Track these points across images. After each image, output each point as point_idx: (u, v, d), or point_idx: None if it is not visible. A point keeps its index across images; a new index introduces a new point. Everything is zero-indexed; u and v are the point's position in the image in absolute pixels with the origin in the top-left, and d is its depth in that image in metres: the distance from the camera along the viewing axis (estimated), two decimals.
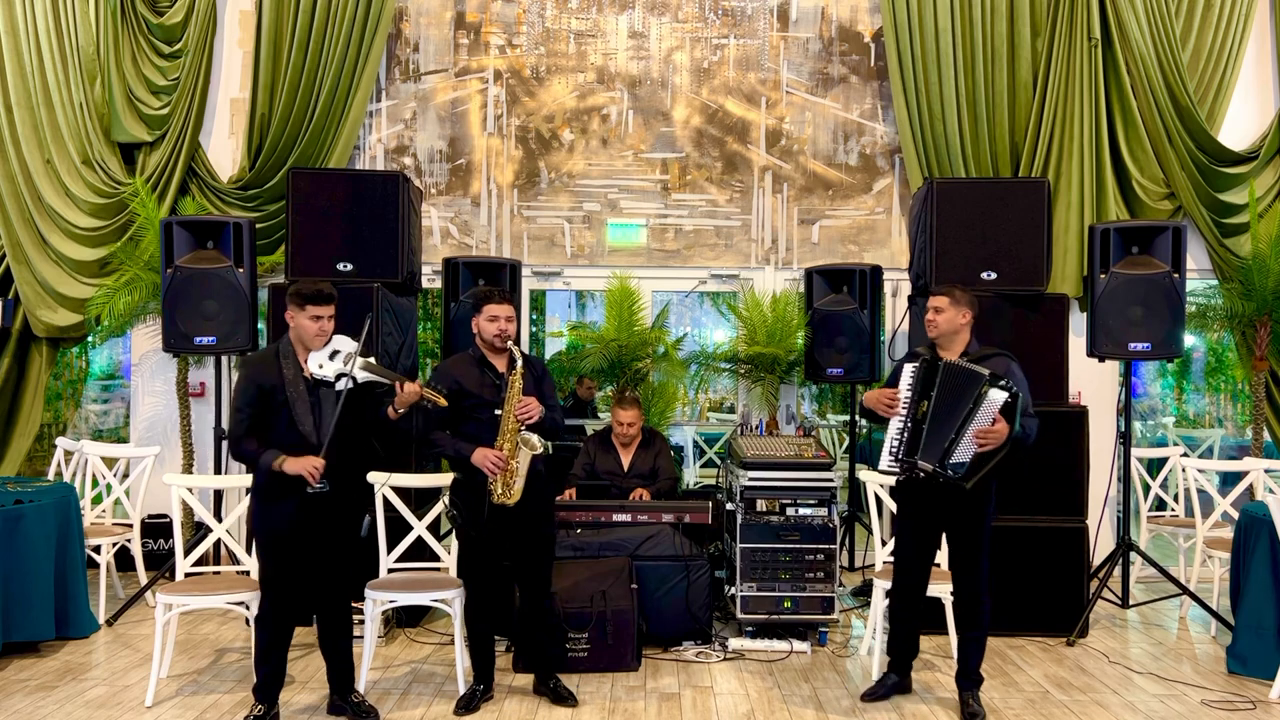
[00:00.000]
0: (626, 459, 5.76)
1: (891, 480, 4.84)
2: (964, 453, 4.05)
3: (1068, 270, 6.61)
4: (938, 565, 4.50)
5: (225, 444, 5.78)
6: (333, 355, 3.94)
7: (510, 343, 4.20)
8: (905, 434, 4.18)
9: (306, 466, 3.78)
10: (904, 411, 4.20)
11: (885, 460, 4.25)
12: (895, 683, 4.46)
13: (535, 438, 4.14)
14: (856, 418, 6.72)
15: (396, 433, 4.11)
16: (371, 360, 4.02)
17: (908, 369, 4.27)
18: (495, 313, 4.20)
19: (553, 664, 4.48)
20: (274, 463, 3.81)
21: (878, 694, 4.42)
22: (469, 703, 4.26)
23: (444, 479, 4.96)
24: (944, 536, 4.37)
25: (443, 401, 4.05)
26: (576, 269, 7.06)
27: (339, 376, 3.91)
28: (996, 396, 3.99)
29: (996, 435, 4.00)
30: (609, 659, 4.74)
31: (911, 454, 4.15)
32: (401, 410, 4.00)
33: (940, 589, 4.55)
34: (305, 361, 3.94)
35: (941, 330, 4.22)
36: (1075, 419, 5.42)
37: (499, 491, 4.11)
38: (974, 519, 4.21)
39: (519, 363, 4.17)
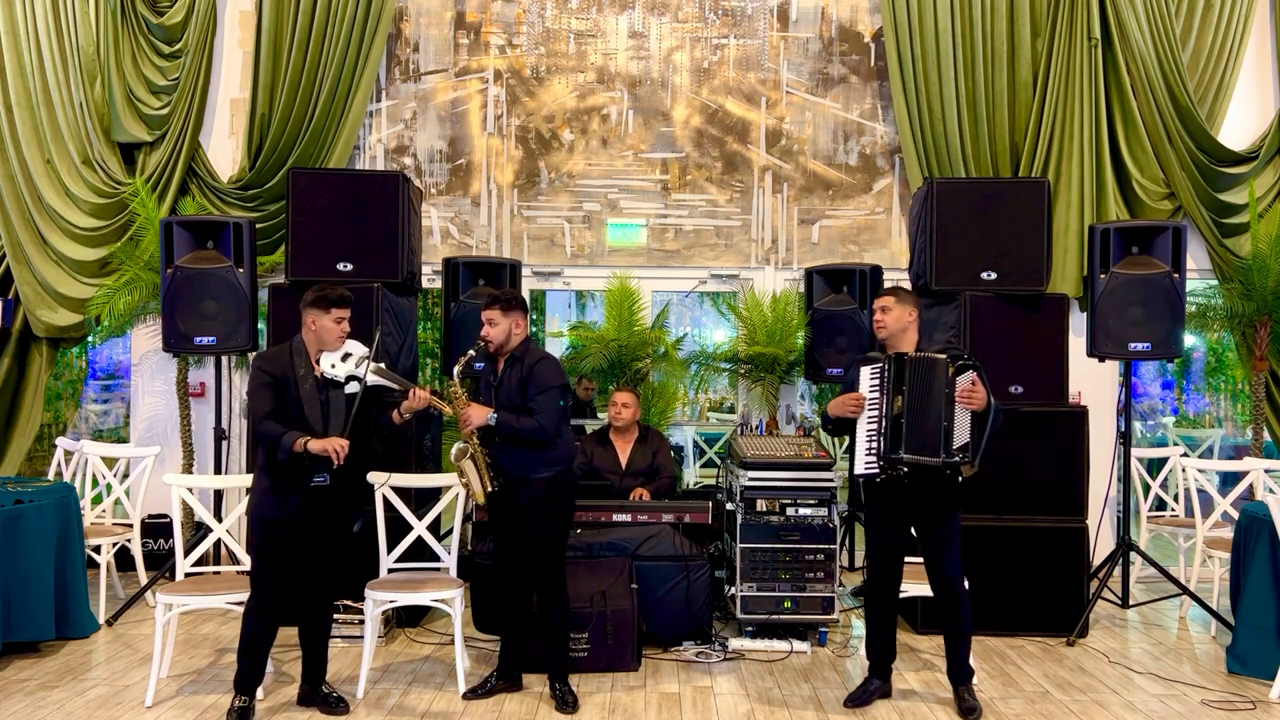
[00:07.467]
0: (624, 455, 5.75)
1: None
2: (962, 431, 4.06)
3: (1068, 270, 6.61)
4: (916, 564, 4.48)
5: (225, 444, 5.82)
6: (345, 357, 4.06)
7: (490, 346, 4.27)
8: (884, 433, 4.17)
9: (332, 446, 3.85)
10: (874, 412, 4.21)
11: (864, 461, 4.24)
12: (878, 687, 4.40)
13: (458, 447, 4.19)
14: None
15: (397, 435, 4.18)
16: (383, 366, 4.15)
17: (867, 371, 4.28)
18: (483, 317, 4.31)
19: (552, 667, 4.42)
20: (296, 442, 3.87)
21: (861, 699, 4.35)
22: (475, 691, 4.41)
23: (444, 479, 4.98)
24: (914, 533, 4.37)
25: (449, 410, 4.14)
26: (576, 269, 7.06)
27: (349, 379, 4.03)
28: (964, 373, 4.05)
29: (979, 396, 4.03)
30: (609, 659, 4.74)
31: (895, 450, 4.14)
32: (408, 416, 4.12)
33: (926, 589, 4.53)
34: (317, 361, 4.06)
35: (890, 329, 4.24)
36: (1075, 419, 5.42)
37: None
38: (942, 513, 4.22)
39: (455, 371, 4.23)
